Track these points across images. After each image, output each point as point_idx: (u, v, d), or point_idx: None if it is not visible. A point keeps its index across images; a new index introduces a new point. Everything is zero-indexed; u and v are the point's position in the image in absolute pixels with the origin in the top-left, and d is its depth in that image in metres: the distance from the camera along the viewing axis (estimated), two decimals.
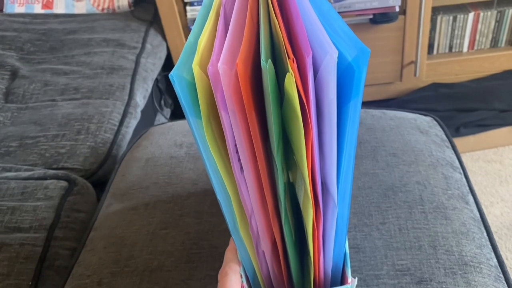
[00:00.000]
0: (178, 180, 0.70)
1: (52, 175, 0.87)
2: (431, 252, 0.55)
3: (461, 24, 1.38)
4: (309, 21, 0.30)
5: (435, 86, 1.44)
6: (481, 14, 1.36)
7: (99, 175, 0.94)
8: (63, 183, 0.85)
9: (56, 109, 1.06)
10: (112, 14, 1.44)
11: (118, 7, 1.46)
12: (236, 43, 0.30)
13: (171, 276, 0.57)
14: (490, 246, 0.58)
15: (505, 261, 1.04)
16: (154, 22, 1.41)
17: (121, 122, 1.04)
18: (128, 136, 1.04)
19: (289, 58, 0.28)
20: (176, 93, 0.29)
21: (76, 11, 1.47)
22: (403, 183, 0.64)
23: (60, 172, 0.89)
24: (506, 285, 0.55)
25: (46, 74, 1.18)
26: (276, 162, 0.33)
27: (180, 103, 0.30)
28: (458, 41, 1.42)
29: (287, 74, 0.27)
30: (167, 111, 1.44)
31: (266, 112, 0.32)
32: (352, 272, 0.54)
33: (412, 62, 1.40)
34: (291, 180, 0.41)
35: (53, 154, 0.95)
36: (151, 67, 1.26)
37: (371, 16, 1.31)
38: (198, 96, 0.29)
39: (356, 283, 0.39)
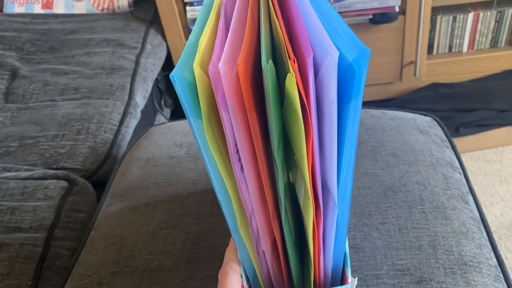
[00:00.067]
0: (178, 180, 0.70)
1: (52, 175, 0.87)
2: (430, 252, 0.55)
3: (460, 24, 1.38)
4: (309, 21, 0.30)
5: (434, 86, 1.44)
6: (481, 14, 1.36)
7: (99, 175, 0.94)
8: (63, 183, 0.86)
9: (56, 109, 1.06)
10: (112, 14, 1.44)
11: (118, 7, 1.46)
12: (237, 43, 0.30)
13: (171, 276, 0.58)
14: (489, 246, 0.58)
15: (505, 261, 1.04)
16: (154, 22, 1.41)
17: (121, 122, 1.04)
18: (128, 136, 1.04)
19: (290, 58, 0.28)
20: (177, 93, 0.29)
21: (76, 11, 1.47)
22: (403, 183, 0.64)
23: (60, 172, 0.89)
24: (505, 284, 0.55)
25: (46, 74, 1.18)
26: (277, 162, 0.33)
27: (181, 103, 0.30)
28: (458, 41, 1.42)
29: (288, 74, 0.27)
30: (167, 111, 1.44)
31: (267, 112, 0.32)
32: (352, 272, 0.54)
33: (412, 62, 1.40)
34: (291, 180, 0.41)
35: (53, 154, 0.95)
36: (151, 67, 1.26)
37: (370, 16, 1.31)
38: (199, 96, 0.29)
39: (356, 283, 0.39)
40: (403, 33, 1.34)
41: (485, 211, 1.26)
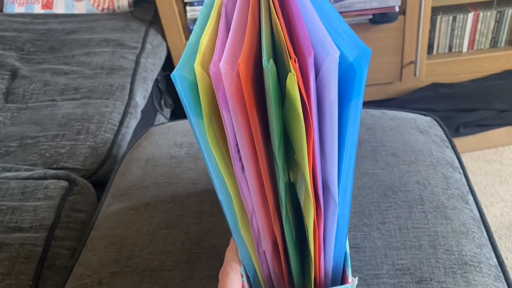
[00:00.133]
0: (178, 180, 0.70)
1: (52, 175, 0.87)
2: (431, 252, 0.55)
3: (460, 24, 1.38)
4: (310, 21, 0.30)
5: (434, 86, 1.44)
6: (481, 14, 1.36)
7: (99, 175, 0.94)
8: (63, 183, 0.86)
9: (56, 109, 1.06)
10: (112, 14, 1.44)
11: (118, 7, 1.46)
12: (238, 43, 0.30)
13: (171, 276, 0.58)
14: (490, 246, 0.58)
15: (505, 261, 1.04)
16: (154, 22, 1.41)
17: (121, 122, 1.04)
18: (128, 136, 1.04)
19: (290, 58, 0.28)
20: (178, 93, 0.29)
21: (76, 11, 1.47)
22: (403, 182, 0.64)
23: (60, 172, 0.89)
24: (506, 284, 0.55)
25: (46, 74, 1.18)
26: (277, 161, 0.33)
27: (182, 102, 0.30)
28: (458, 41, 1.42)
29: (289, 74, 0.27)
30: (167, 111, 1.44)
31: (268, 112, 0.32)
32: (353, 271, 0.54)
33: (411, 62, 1.40)
34: (292, 180, 0.41)
35: (53, 154, 0.95)
36: (151, 67, 1.27)
37: (370, 16, 1.31)
38: (200, 96, 0.29)
39: (356, 282, 0.39)
40: (403, 33, 1.34)
41: (485, 211, 1.26)
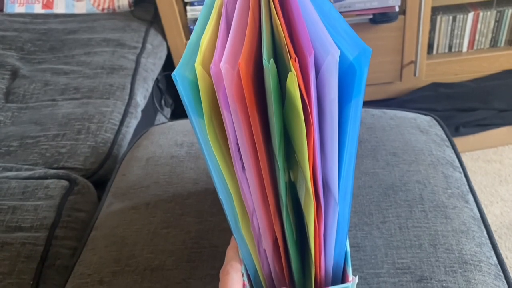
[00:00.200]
0: (178, 179, 0.71)
1: (53, 174, 0.87)
2: (431, 251, 0.55)
3: (460, 24, 1.38)
4: (310, 21, 0.31)
5: (434, 86, 1.44)
6: (481, 14, 1.36)
7: (100, 174, 0.94)
8: (64, 183, 0.86)
9: (57, 108, 1.06)
10: (112, 14, 1.44)
11: (118, 7, 1.46)
12: (238, 43, 0.30)
13: (172, 275, 0.58)
14: (490, 245, 0.59)
15: (505, 260, 1.04)
16: (154, 22, 1.41)
17: (122, 122, 1.04)
18: (129, 136, 1.05)
19: (291, 57, 0.28)
20: (179, 92, 0.29)
21: (76, 11, 1.47)
22: (403, 182, 0.64)
23: (60, 171, 0.89)
24: (506, 283, 0.55)
25: (46, 74, 1.19)
26: (278, 161, 0.33)
27: (183, 102, 0.30)
28: (458, 41, 1.42)
29: (289, 73, 0.27)
30: (168, 111, 1.44)
31: (268, 111, 0.32)
32: (353, 270, 0.54)
33: (411, 62, 1.40)
34: (292, 179, 0.41)
35: (53, 153, 0.95)
36: (152, 67, 1.27)
37: (370, 16, 1.31)
38: (201, 95, 0.29)
39: (356, 281, 0.39)
40: (403, 33, 1.34)
41: (485, 210, 1.27)
